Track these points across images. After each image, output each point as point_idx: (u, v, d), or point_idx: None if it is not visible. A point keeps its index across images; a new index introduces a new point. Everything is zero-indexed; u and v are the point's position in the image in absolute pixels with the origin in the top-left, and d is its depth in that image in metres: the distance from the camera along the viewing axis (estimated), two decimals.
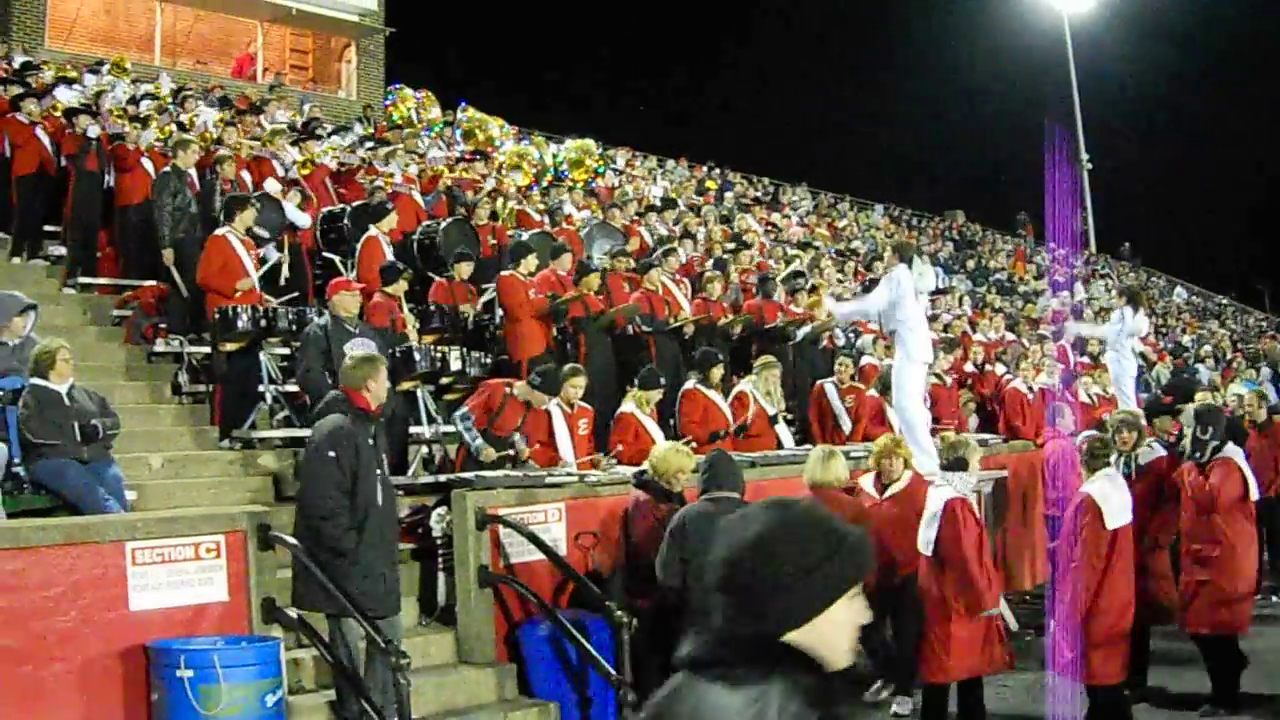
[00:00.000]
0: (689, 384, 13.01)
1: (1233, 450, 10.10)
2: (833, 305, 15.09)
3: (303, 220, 14.53)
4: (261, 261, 13.33)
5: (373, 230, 14.14)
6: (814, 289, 17.28)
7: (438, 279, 14.39)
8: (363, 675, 7.97)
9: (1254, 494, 10.17)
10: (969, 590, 8.60)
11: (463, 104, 26.81)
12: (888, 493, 9.87)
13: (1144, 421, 10.90)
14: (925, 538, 8.76)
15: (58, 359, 9.14)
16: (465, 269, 14.27)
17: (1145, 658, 10.34)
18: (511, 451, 11.00)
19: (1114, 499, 8.86)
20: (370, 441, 8.27)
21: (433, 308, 13.52)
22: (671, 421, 12.86)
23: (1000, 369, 17.32)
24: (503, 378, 11.98)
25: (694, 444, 11.33)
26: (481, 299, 14.74)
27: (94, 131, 14.80)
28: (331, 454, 7.97)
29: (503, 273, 13.99)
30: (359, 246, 14.25)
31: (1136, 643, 10.06)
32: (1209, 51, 49.41)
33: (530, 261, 13.74)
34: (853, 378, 14.70)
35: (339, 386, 8.51)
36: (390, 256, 13.70)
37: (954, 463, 8.97)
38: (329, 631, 8.10)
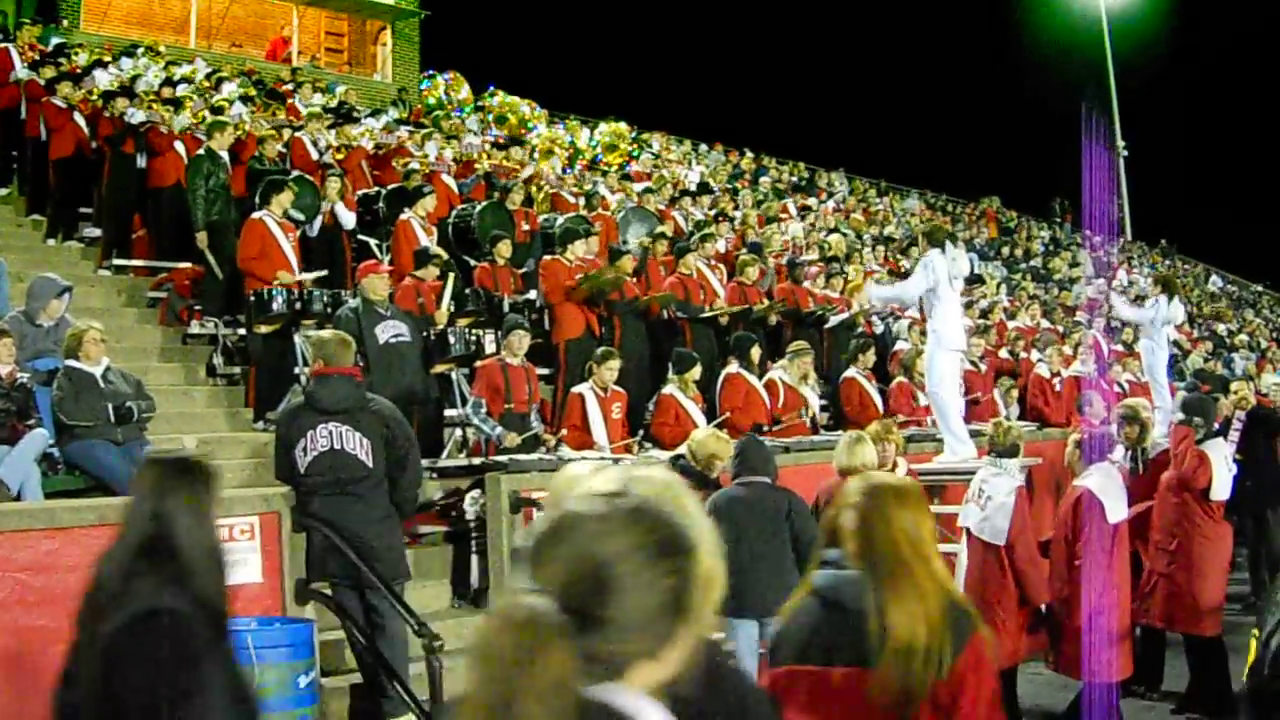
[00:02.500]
0: (730, 368, 12.91)
1: (1212, 444, 9.70)
2: (871, 288, 14.95)
3: (349, 220, 14.55)
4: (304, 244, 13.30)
5: (406, 214, 14.13)
6: (847, 276, 17.22)
7: (479, 263, 14.39)
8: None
9: (1218, 492, 9.67)
10: (1032, 579, 8.51)
11: (490, 87, 26.79)
12: None
13: (1145, 414, 10.51)
14: (998, 526, 8.58)
15: (86, 340, 9.18)
16: (505, 248, 14.25)
17: (1161, 659, 10.01)
18: (532, 431, 11.06)
19: (1113, 493, 8.54)
20: None
21: (467, 291, 13.49)
22: (703, 406, 12.75)
23: (1035, 356, 17.22)
24: (542, 363, 11.97)
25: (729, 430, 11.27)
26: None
27: (136, 116, 14.87)
28: None
29: (546, 256, 13.98)
30: (393, 229, 14.26)
31: (1154, 644, 9.93)
32: (1246, 37, 48.95)
33: (578, 247, 13.75)
34: (875, 366, 14.67)
35: (359, 370, 8.51)
36: (424, 240, 13.70)
37: (1009, 449, 8.89)
38: (365, 608, 8.08)
